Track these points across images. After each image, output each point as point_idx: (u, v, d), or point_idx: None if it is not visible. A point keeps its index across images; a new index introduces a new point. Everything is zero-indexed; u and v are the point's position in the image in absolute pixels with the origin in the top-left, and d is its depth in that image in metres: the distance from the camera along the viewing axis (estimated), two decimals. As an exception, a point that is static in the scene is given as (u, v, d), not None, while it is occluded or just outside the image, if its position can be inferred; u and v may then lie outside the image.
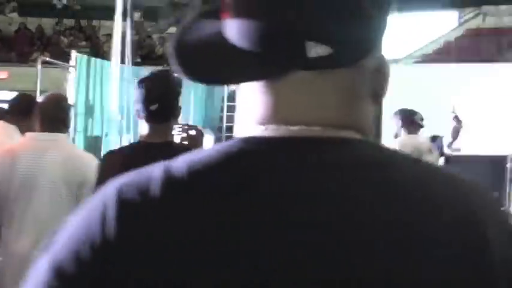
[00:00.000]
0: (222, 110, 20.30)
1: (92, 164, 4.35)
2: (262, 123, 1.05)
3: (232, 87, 1.15)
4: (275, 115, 1.04)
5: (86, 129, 11.77)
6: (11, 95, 18.17)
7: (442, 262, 0.96)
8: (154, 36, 25.61)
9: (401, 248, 0.96)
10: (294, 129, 1.02)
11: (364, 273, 0.94)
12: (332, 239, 0.95)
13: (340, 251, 0.95)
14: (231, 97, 20.52)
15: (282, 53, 1.00)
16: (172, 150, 3.56)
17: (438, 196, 1.01)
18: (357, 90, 1.07)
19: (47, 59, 13.81)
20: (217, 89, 19.96)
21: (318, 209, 0.96)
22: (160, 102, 3.68)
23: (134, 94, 3.78)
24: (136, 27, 26.52)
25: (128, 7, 11.28)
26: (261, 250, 0.94)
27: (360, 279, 0.94)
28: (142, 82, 3.73)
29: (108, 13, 26.53)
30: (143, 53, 24.44)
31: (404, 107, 7.88)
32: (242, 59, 1.02)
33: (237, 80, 1.10)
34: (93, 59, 12.94)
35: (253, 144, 1.02)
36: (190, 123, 17.54)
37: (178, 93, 3.85)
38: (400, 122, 7.70)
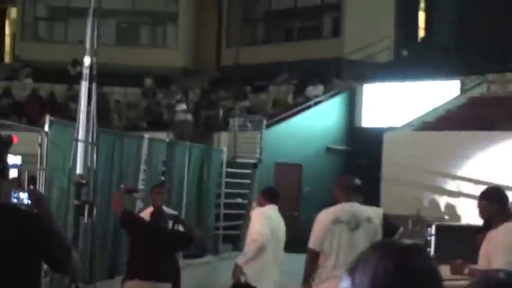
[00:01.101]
0: (220, 176, 20.32)
1: None
2: None
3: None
4: None
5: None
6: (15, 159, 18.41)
7: None
8: (163, 103, 25.85)
9: None
10: None
11: None
12: None
13: None
14: (231, 163, 20.62)
15: None
16: (2, 210, 3.71)
17: None
18: None
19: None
20: (215, 154, 20.04)
21: None
22: None
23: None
24: (146, 93, 26.93)
25: (94, 73, 11.38)
26: None
27: None
28: None
29: (119, 80, 27.14)
30: (150, 119, 24.65)
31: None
32: None
33: None
34: (66, 123, 13.06)
35: None
36: (185, 188, 17.57)
37: (2, 154, 3.79)
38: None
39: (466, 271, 5.95)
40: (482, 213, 6.29)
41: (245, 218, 18.34)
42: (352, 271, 1.99)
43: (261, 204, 8.55)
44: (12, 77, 28.40)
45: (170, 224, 8.33)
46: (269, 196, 8.67)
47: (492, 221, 6.16)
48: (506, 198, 6.28)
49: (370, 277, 1.93)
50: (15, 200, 4.40)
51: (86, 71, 11.62)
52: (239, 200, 19.96)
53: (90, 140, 11.58)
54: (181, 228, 8.50)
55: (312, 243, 7.34)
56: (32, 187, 3.84)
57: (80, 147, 11.56)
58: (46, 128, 11.89)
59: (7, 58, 32.46)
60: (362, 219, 7.37)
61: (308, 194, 21.41)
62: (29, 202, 4.11)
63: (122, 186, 8.82)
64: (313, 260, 7.17)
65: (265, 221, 8.24)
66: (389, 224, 11.22)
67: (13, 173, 16.06)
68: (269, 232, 8.13)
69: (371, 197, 19.69)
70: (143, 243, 7.88)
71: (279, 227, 8.46)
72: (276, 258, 8.51)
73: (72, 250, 3.80)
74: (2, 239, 3.57)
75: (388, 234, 9.14)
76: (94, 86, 11.66)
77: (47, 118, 12.13)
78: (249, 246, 8.10)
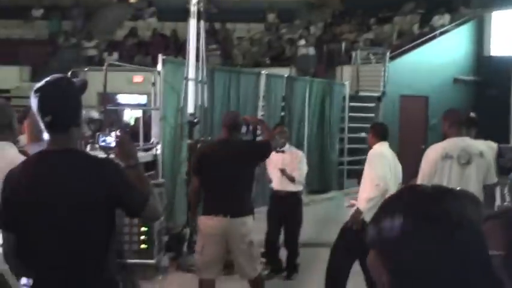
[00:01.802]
0: (343, 110, 20.06)
1: None
2: None
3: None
4: None
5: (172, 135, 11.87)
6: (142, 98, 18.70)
7: None
8: (285, 38, 25.58)
9: None
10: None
11: None
12: None
13: None
14: (354, 97, 20.30)
15: None
16: (74, 157, 3.67)
17: None
18: None
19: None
20: (337, 88, 19.74)
21: None
22: (54, 113, 3.59)
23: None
24: (270, 29, 26.73)
25: (201, 9, 11.23)
26: None
27: None
28: (37, 92, 3.60)
29: (242, 16, 27.05)
30: (272, 54, 24.46)
31: None
32: None
33: None
34: (178, 62, 13.02)
35: None
36: (306, 123, 17.39)
37: (76, 101, 3.72)
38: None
39: None
40: None
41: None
42: (377, 218, 1.77)
43: (371, 143, 8.14)
44: (137, 17, 28.73)
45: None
46: (379, 133, 8.23)
47: None
48: None
49: (398, 225, 1.70)
50: (102, 144, 4.31)
51: (193, 8, 11.53)
52: (363, 135, 19.55)
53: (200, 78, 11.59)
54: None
55: (420, 180, 7.04)
56: (119, 132, 3.73)
57: (191, 85, 11.57)
58: (159, 67, 11.92)
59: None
60: (474, 154, 7.01)
61: (435, 126, 20.78)
62: (115, 145, 3.96)
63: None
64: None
65: (383, 162, 7.82)
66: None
67: (137, 113, 16.36)
68: (389, 173, 7.74)
69: (500, 128, 19.11)
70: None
71: (396, 164, 8.08)
72: None
73: (149, 195, 3.71)
74: (75, 186, 3.55)
75: (504, 171, 8.61)
76: (202, 23, 11.59)
77: (160, 57, 12.15)
78: (373, 192, 7.63)
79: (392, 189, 7.64)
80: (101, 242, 3.64)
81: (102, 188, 3.57)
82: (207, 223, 7.07)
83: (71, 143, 3.66)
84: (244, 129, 7.70)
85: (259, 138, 7.81)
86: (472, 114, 7.57)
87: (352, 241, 7.57)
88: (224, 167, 7.21)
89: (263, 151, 7.55)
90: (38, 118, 3.61)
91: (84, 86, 3.74)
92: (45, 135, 3.66)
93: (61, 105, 3.63)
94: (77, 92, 3.71)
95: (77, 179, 3.57)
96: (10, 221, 3.64)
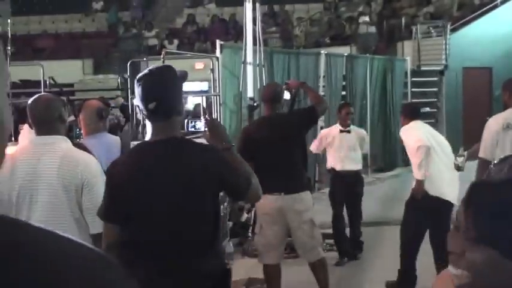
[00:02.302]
0: (406, 86, 19.88)
1: (89, 164, 4.30)
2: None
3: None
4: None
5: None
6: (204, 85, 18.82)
7: None
8: (345, 16, 25.38)
9: None
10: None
11: None
12: None
13: None
14: (416, 72, 20.10)
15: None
16: (179, 145, 3.76)
17: None
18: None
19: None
20: (398, 63, 19.55)
21: None
22: (158, 100, 3.63)
23: (136, 92, 3.73)
24: (329, 8, 26.56)
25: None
26: None
27: None
28: (140, 80, 3.67)
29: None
30: (332, 34, 24.30)
31: None
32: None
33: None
34: (236, 46, 13.05)
35: None
36: (368, 101, 17.29)
37: (178, 89, 3.79)
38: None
39: None
40: None
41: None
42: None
43: (404, 123, 7.99)
44: (197, 4, 28.84)
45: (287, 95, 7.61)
46: (409, 112, 8.11)
47: None
48: None
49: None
50: (192, 129, 4.38)
51: (250, -6, 11.47)
52: (427, 109, 19.32)
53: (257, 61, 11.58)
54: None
55: (482, 152, 6.92)
56: (207, 116, 3.84)
57: (250, 69, 11.57)
58: (217, 53, 11.95)
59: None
60: None
61: (500, 97, 20.48)
62: (206, 130, 4.05)
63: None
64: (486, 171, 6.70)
65: (411, 132, 7.73)
66: None
67: (198, 100, 16.48)
68: (423, 135, 7.64)
69: None
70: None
71: (434, 134, 7.96)
72: (450, 168, 7.90)
73: (251, 176, 3.82)
74: (184, 174, 3.64)
75: None
76: (258, 5, 11.57)
77: (217, 43, 12.18)
78: (417, 157, 7.55)
79: (436, 159, 7.58)
80: (210, 228, 3.71)
81: (210, 174, 3.64)
82: (263, 203, 6.57)
83: (174, 131, 3.72)
84: (287, 95, 7.49)
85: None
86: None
87: (418, 213, 7.56)
88: (272, 145, 6.93)
89: (310, 117, 7.25)
90: (141, 107, 3.67)
91: (185, 76, 3.82)
92: (148, 125, 3.75)
93: (165, 92, 3.69)
94: (179, 81, 3.78)
95: (185, 167, 3.65)
96: (117, 213, 3.71)
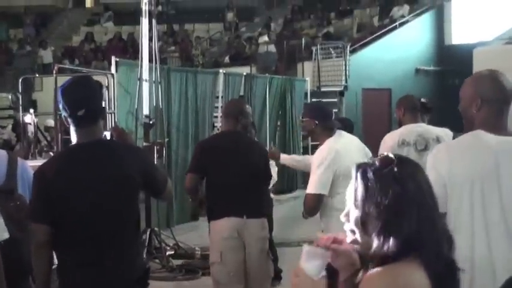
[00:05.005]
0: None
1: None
2: None
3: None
4: None
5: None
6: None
7: None
8: (245, 37, 25.34)
9: None
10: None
11: None
12: None
13: None
14: (315, 93, 20.07)
15: None
16: (107, 145, 4.03)
17: None
18: None
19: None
20: (298, 84, 19.47)
21: None
22: (86, 106, 3.84)
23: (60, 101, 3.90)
24: (229, 28, 26.48)
25: (152, 9, 10.90)
26: None
27: None
28: (66, 89, 3.89)
29: (201, 16, 26.81)
30: (232, 53, 24.20)
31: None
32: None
33: None
34: (132, 63, 12.69)
35: None
36: (267, 121, 17.11)
37: (101, 96, 4.09)
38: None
39: None
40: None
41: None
42: None
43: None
44: (94, 22, 28.42)
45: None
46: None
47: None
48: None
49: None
50: None
51: (145, 8, 11.08)
52: (327, 130, 19.25)
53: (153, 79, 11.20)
54: None
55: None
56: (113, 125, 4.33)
57: (145, 87, 11.18)
58: (113, 70, 11.58)
59: (88, 3, 32.42)
60: (430, 140, 6.78)
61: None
62: (113, 138, 4.32)
63: None
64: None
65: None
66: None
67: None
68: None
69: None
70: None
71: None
72: None
73: (166, 175, 4.28)
74: (108, 173, 3.83)
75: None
76: (154, 22, 11.19)
77: (113, 59, 11.80)
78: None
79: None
80: (134, 226, 3.99)
81: (138, 170, 3.90)
82: (223, 225, 5.85)
83: (100, 133, 3.96)
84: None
85: None
86: (423, 100, 7.37)
87: None
88: (236, 161, 6.02)
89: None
90: (66, 114, 3.86)
91: (101, 85, 4.20)
92: (74, 131, 3.91)
93: (92, 99, 3.92)
94: (100, 89, 4.10)
95: (114, 166, 3.87)
96: (45, 213, 3.78)
